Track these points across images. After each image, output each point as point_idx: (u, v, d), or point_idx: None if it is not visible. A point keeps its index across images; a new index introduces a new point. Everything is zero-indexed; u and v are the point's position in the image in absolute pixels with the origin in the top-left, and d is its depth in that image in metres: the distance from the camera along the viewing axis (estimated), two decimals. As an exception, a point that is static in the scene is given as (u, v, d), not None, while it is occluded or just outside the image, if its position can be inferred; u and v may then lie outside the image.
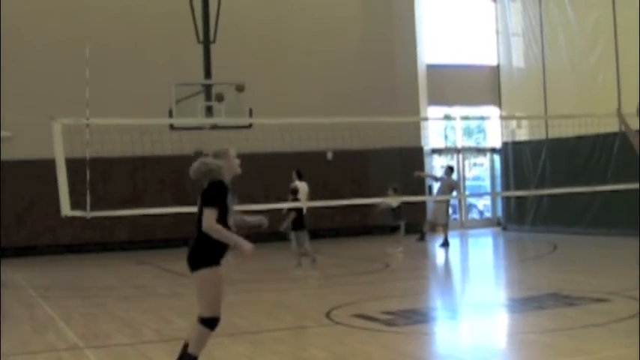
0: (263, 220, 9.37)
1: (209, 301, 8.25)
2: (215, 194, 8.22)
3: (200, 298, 8.31)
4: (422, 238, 26.27)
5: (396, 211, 23.73)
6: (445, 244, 25.10)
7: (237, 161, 8.62)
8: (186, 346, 8.40)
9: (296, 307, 14.60)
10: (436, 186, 28.06)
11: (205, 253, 8.19)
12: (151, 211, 18.40)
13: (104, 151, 17.26)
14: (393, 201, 23.23)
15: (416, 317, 12.62)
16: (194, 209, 8.36)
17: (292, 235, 20.79)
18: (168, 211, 18.27)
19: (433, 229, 26.74)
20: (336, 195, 24.60)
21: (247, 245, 8.16)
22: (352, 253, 24.03)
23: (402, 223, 24.12)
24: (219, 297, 8.30)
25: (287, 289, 17.55)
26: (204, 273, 8.19)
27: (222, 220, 8.18)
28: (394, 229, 24.18)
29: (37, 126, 22.55)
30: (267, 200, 20.80)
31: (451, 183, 25.67)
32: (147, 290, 17.79)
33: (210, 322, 8.26)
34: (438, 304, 15.14)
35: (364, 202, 22.24)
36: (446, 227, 25.55)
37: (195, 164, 8.39)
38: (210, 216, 8.10)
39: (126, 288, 18.24)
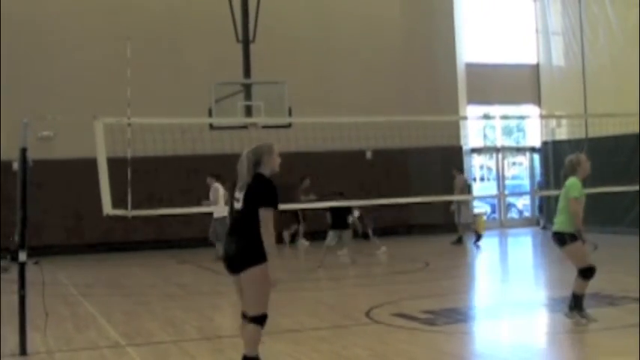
0: None
1: (260, 299, 8.23)
2: (272, 193, 8.20)
3: (250, 297, 8.24)
4: (465, 240, 25.97)
5: (361, 219, 23.36)
6: (458, 241, 25.20)
7: (278, 159, 8.55)
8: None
9: (336, 305, 14.65)
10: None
11: (257, 251, 8.12)
12: (189, 210, 18.47)
13: (146, 150, 17.34)
14: (355, 211, 22.67)
15: (456, 316, 12.65)
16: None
17: (333, 233, 20.77)
18: (208, 210, 18.31)
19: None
20: (375, 194, 24.57)
21: (276, 276, 8.16)
22: (390, 252, 23.97)
23: (371, 230, 23.88)
24: (268, 293, 8.26)
25: (327, 287, 17.63)
26: (256, 271, 8.13)
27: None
28: (365, 237, 24.04)
29: (78, 125, 22.71)
30: (305, 199, 20.88)
31: (457, 183, 25.68)
32: (188, 289, 17.90)
33: (261, 319, 8.25)
34: (477, 304, 15.13)
35: (403, 201, 22.23)
36: (459, 227, 25.67)
37: (242, 157, 8.37)
38: (269, 217, 8.08)
39: (168, 286, 18.33)
